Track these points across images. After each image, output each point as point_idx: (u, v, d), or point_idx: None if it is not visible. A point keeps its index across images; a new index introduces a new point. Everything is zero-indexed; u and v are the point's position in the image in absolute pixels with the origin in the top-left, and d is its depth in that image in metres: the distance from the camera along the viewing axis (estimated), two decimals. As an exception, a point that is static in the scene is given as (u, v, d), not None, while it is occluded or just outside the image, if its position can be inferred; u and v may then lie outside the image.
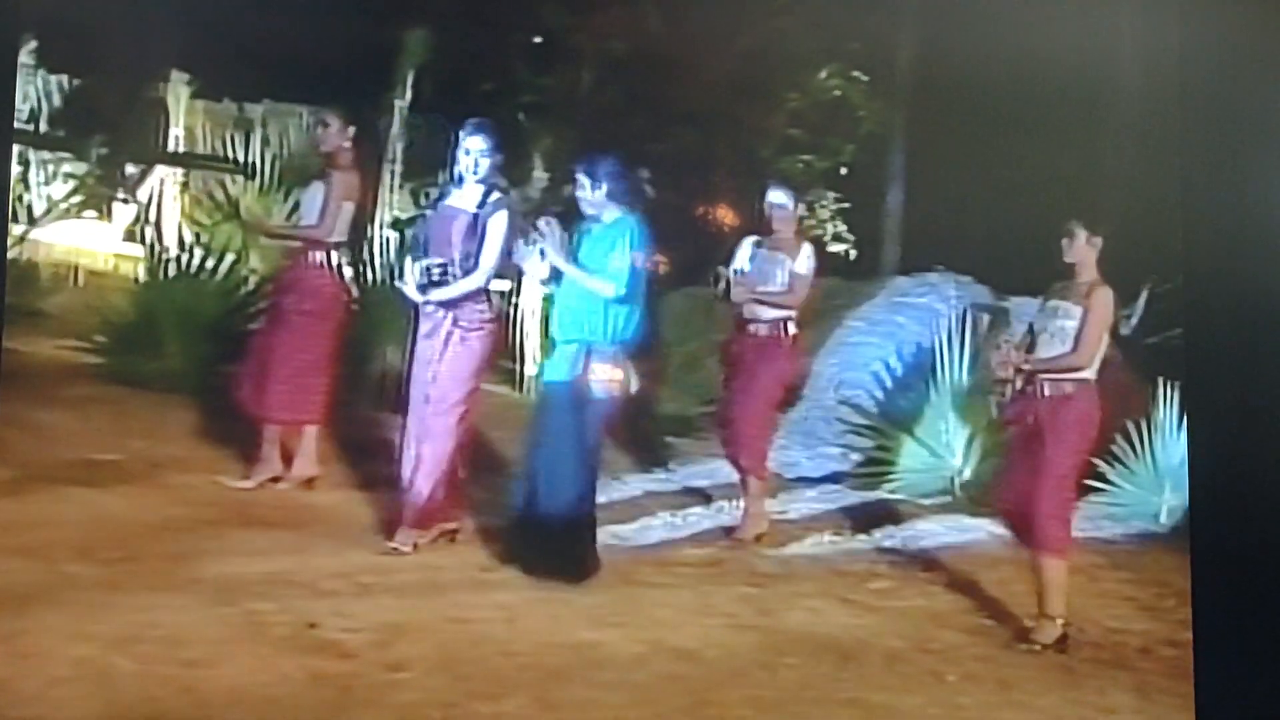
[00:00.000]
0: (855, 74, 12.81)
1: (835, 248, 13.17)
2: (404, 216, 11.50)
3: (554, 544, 7.10)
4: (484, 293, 7.36)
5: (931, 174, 12.13)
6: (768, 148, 12.50)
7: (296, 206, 9.59)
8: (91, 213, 11.93)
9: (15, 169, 11.61)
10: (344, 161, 8.12)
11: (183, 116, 12.36)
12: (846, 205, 13.26)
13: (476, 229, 7.29)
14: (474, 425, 7.52)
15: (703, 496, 9.05)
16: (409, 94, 11.79)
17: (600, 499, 7.64)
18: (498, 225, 7.27)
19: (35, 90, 11.99)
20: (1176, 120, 6.31)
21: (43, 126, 11.98)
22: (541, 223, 7.22)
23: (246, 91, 12.69)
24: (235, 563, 6.88)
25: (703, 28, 11.71)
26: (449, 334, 7.28)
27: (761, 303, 8.09)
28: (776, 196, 8.19)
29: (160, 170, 12.18)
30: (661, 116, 12.01)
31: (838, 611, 7.16)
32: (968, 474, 9.48)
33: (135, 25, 11.40)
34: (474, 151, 7.28)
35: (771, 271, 8.13)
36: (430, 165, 11.48)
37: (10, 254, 11.13)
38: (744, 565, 7.83)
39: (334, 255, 8.14)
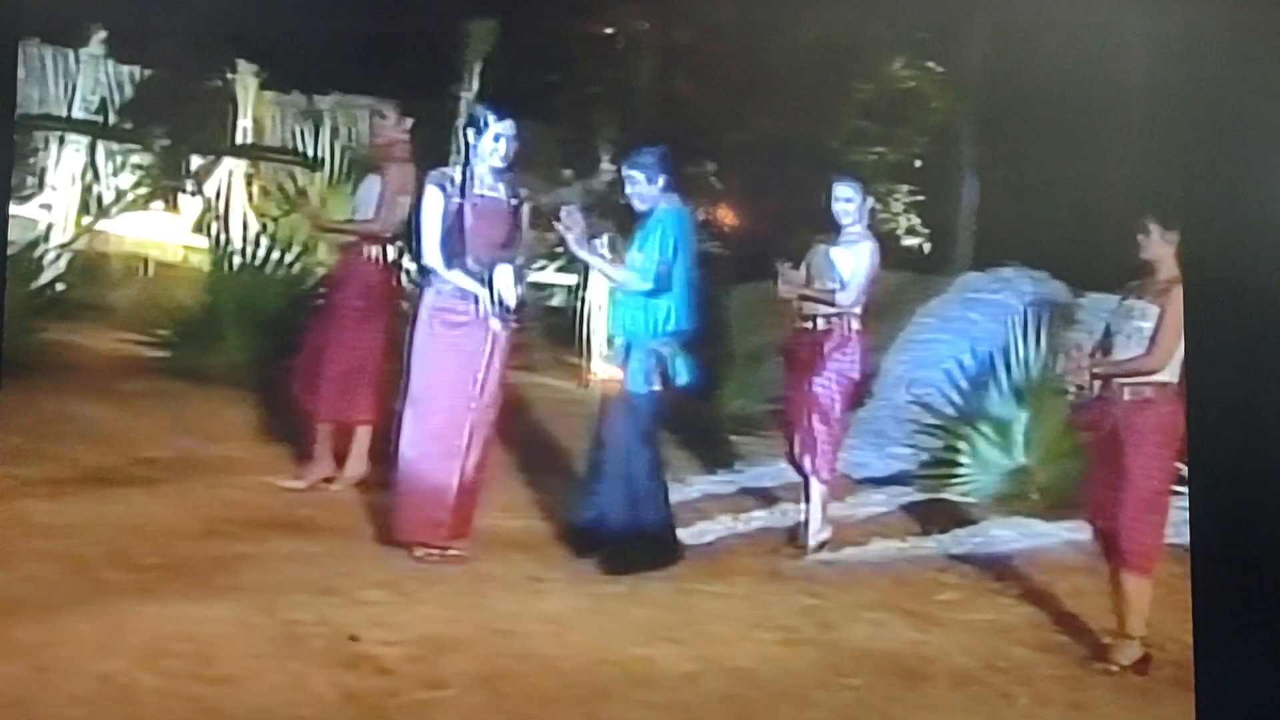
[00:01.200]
0: (928, 64, 12.21)
1: (909, 241, 12.60)
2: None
3: (638, 545, 6.85)
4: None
5: (1006, 167, 11.55)
6: (837, 139, 11.94)
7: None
8: (159, 204, 11.53)
9: (83, 159, 11.30)
10: (400, 154, 7.73)
11: (251, 108, 11.95)
12: (921, 198, 12.68)
13: (516, 220, 6.87)
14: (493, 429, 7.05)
15: (766, 499, 8.55)
16: (475, 85, 11.35)
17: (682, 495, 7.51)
18: (528, 216, 6.94)
19: (105, 81, 11.61)
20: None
21: (111, 118, 11.57)
22: (563, 213, 6.78)
23: (315, 83, 12.27)
24: (277, 569, 6.51)
25: (771, 17, 11.17)
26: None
27: (816, 299, 7.55)
28: (843, 190, 7.67)
29: (228, 162, 11.77)
30: (729, 108, 11.48)
31: (902, 625, 6.66)
32: (1042, 476, 8.88)
33: (204, 15, 11.01)
34: (504, 137, 6.81)
35: (829, 267, 7.60)
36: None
37: (78, 245, 10.93)
38: (804, 573, 7.35)
39: (389, 250, 7.71)
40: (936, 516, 8.50)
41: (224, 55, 11.85)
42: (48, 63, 11.53)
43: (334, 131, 12.18)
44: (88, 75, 11.58)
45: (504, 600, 6.46)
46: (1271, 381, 5.59)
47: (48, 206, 11.15)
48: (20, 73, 11.05)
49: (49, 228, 10.90)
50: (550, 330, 11.40)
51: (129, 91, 11.78)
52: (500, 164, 6.89)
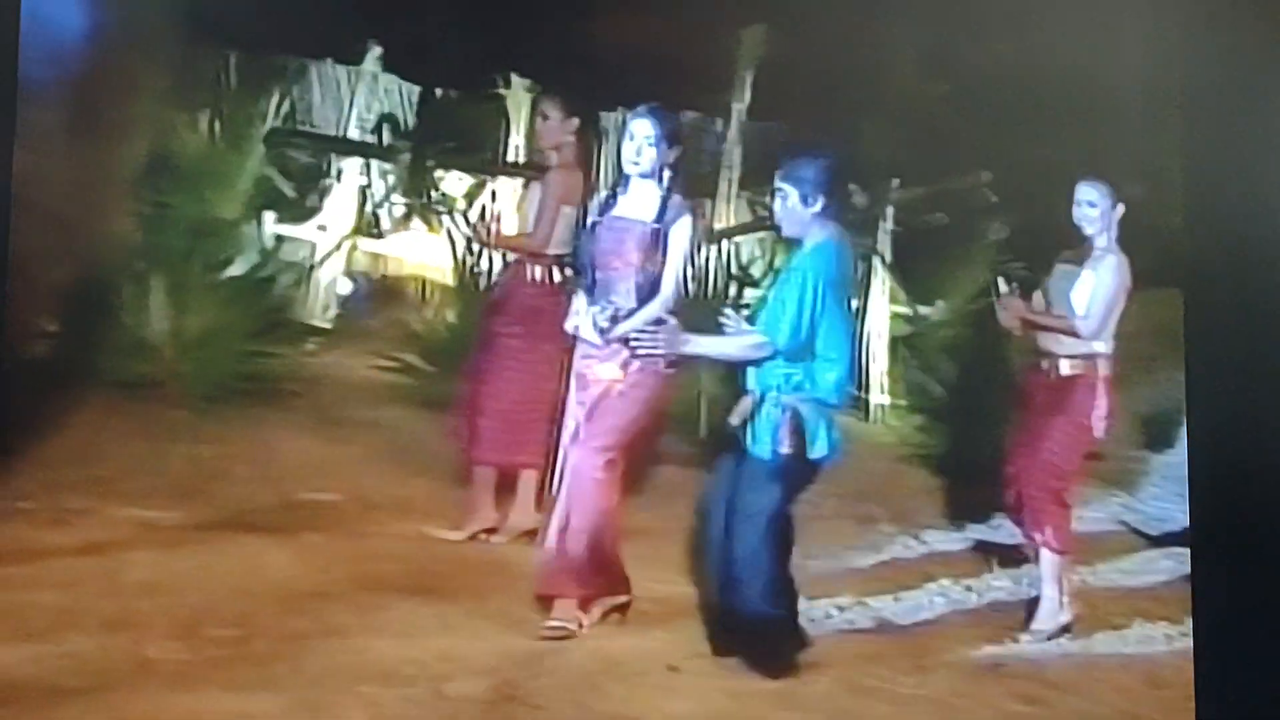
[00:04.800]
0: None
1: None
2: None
3: (749, 636, 5.20)
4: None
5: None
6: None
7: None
8: (425, 224, 10.38)
9: (360, 180, 10.28)
10: (564, 159, 6.29)
11: (524, 124, 10.65)
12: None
13: (658, 244, 5.29)
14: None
15: (1009, 559, 6.66)
16: (747, 95, 9.79)
17: (860, 562, 6.22)
18: (680, 238, 5.23)
19: (379, 100, 10.55)
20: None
21: (386, 137, 10.49)
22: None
23: (597, 99, 10.90)
24: (361, 646, 5.21)
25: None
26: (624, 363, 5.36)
27: (1051, 330, 5.72)
28: (1088, 192, 5.81)
29: (501, 181, 10.52)
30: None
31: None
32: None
33: (478, 29, 9.92)
34: (639, 138, 5.26)
35: (1068, 291, 5.76)
36: (768, 172, 9.54)
37: (352, 267, 9.92)
38: (1029, 668, 5.59)
39: (555, 270, 6.24)
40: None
41: (495, 70, 10.61)
42: (321, 81, 10.52)
43: (617, 149, 10.76)
44: (363, 93, 10.53)
45: (635, 688, 5.01)
46: (1272, 381, 5.09)
47: (323, 228, 10.13)
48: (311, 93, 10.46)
49: (317, 248, 9.87)
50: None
51: (402, 109, 10.69)
52: (641, 174, 5.39)
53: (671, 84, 9.78)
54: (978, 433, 7.19)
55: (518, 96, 10.64)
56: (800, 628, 5.37)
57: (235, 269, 8.67)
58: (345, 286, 9.87)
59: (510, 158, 10.62)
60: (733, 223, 9.75)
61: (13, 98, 5.51)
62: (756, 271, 9.18)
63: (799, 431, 5.09)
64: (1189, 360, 5.36)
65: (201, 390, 7.72)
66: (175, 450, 7.06)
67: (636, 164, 5.44)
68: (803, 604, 5.81)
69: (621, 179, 5.52)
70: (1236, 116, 5.25)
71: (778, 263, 9.80)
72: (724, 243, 9.42)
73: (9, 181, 5.44)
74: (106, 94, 8.11)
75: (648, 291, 5.38)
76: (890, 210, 9.41)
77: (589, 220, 5.51)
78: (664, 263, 5.38)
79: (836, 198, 5.21)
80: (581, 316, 5.46)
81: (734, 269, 9.26)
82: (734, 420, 5.20)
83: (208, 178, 9.27)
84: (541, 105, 6.51)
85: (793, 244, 5.31)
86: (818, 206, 5.16)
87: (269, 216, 9.79)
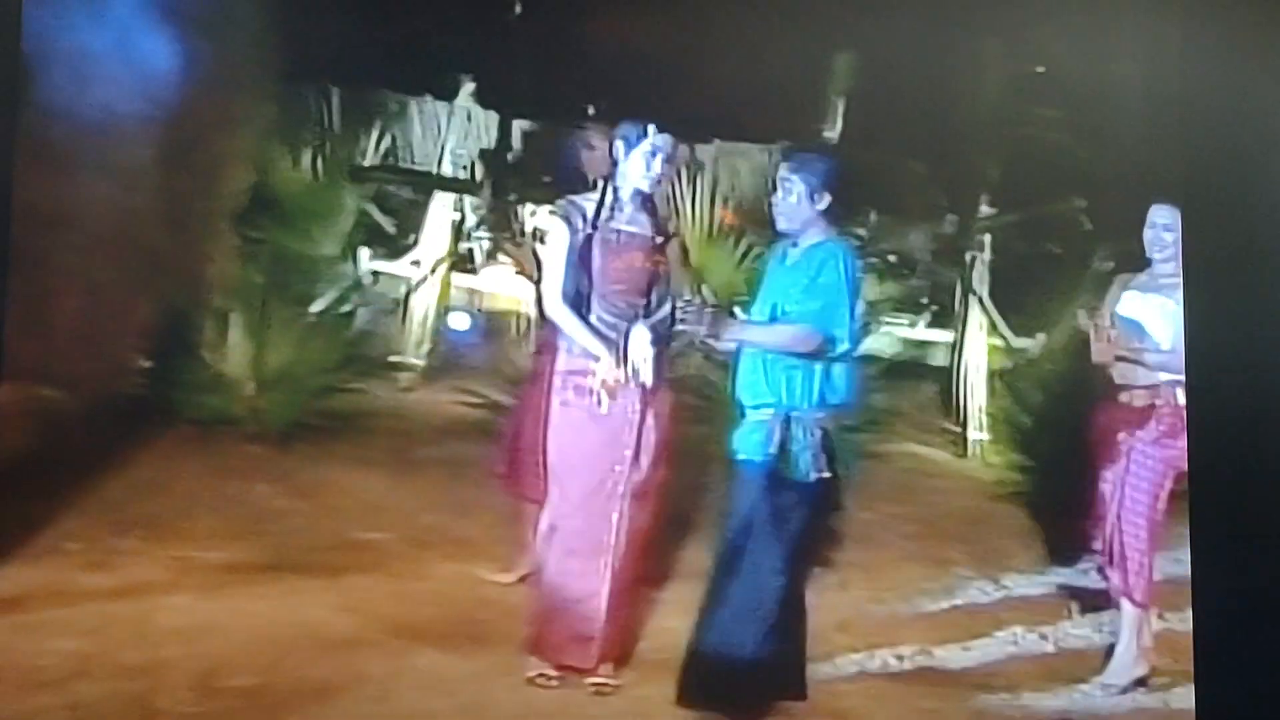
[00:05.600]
0: None
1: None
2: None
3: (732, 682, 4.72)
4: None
5: None
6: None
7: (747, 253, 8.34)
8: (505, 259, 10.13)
9: (453, 216, 10.06)
10: (612, 183, 5.89)
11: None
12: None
13: (661, 261, 5.14)
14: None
15: (1091, 603, 6.13)
16: (839, 124, 9.38)
17: (931, 605, 5.87)
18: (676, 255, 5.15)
19: (472, 135, 10.34)
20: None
21: (478, 171, 10.26)
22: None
23: (695, 131, 10.57)
24: (380, 696, 4.97)
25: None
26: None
27: (1135, 362, 5.24)
28: (1162, 214, 5.32)
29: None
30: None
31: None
32: None
33: (566, 64, 9.70)
34: (659, 153, 5.11)
35: (1148, 319, 5.28)
36: (864, 200, 9.16)
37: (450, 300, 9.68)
38: (1096, 723, 5.04)
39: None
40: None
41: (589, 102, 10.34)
42: (421, 117, 10.36)
43: (714, 181, 10.42)
44: (456, 128, 10.33)
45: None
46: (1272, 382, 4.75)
47: (417, 263, 9.93)
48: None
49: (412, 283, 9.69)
50: (922, 392, 9.25)
51: (495, 144, 10.46)
52: (649, 187, 5.09)
53: (763, 114, 9.57)
54: (1073, 471, 6.68)
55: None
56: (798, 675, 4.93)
57: (323, 304, 8.51)
58: (461, 322, 9.64)
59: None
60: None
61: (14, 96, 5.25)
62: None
63: (829, 451, 4.70)
64: (1189, 358, 4.97)
65: (279, 426, 7.55)
66: (237, 488, 6.89)
67: (654, 180, 5.11)
68: (858, 653, 5.44)
69: (633, 194, 5.15)
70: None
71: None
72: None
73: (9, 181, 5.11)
74: (201, 130, 8.01)
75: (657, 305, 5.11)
76: (988, 239, 8.98)
77: (584, 235, 5.13)
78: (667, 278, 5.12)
79: (838, 200, 4.81)
80: (639, 346, 5.06)
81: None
82: (771, 449, 4.77)
83: (309, 213, 9.17)
84: (585, 134, 6.10)
85: (782, 240, 4.91)
86: (823, 204, 4.78)
87: (364, 253, 9.66)
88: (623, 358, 4.98)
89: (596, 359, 5.01)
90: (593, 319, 5.08)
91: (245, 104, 8.45)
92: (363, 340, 8.68)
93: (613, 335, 5.02)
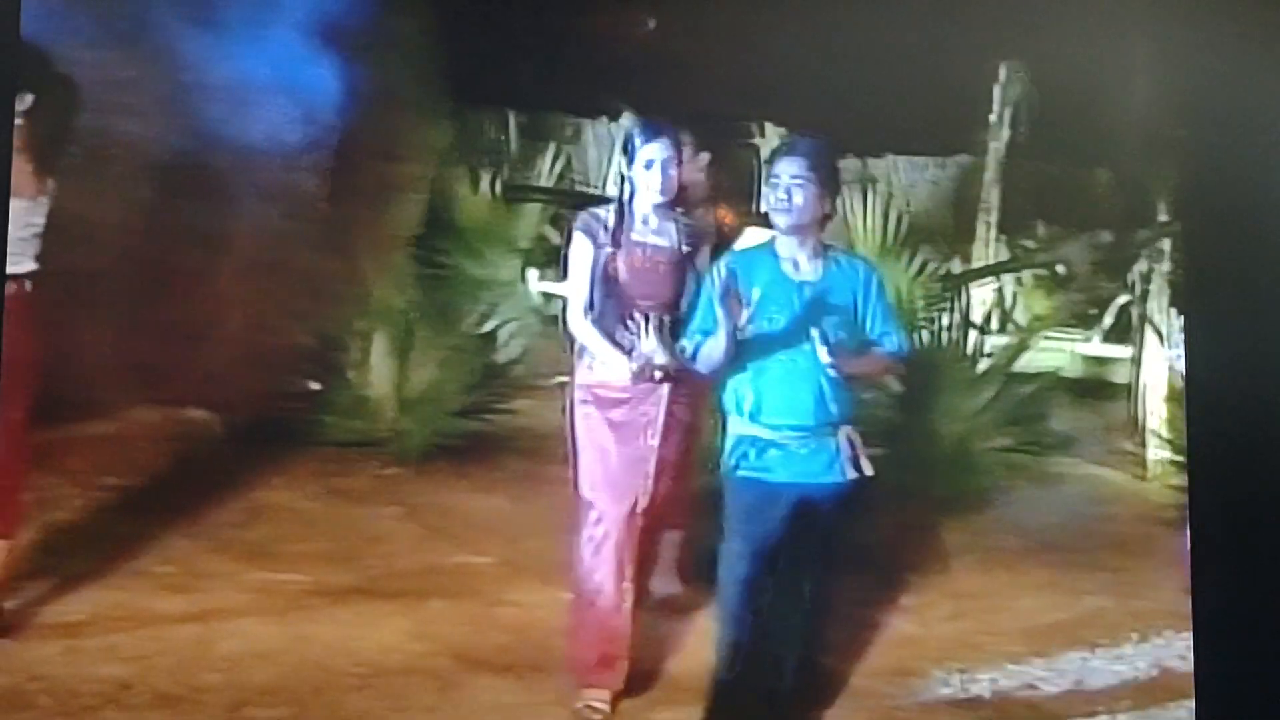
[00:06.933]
0: None
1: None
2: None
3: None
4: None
5: None
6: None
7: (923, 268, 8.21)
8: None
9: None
10: (697, 197, 5.48)
11: (778, 173, 9.92)
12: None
13: (687, 272, 4.77)
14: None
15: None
16: (1006, 133, 8.77)
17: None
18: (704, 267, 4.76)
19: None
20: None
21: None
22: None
23: (864, 144, 10.07)
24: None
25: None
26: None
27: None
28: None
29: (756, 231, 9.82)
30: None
31: None
32: None
33: (729, 78, 9.36)
34: (656, 163, 4.66)
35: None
36: (1029, 212, 8.59)
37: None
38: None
39: (679, 317, 5.51)
40: None
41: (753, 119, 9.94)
42: (596, 139, 10.14)
43: (888, 197, 9.91)
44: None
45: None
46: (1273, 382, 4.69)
47: (567, 287, 9.69)
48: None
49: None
50: (1106, 410, 8.58)
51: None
52: (658, 198, 4.66)
53: (928, 125, 9.04)
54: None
55: (771, 144, 9.94)
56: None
57: (491, 325, 8.29)
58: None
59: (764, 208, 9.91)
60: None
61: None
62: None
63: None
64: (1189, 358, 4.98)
65: (420, 448, 7.34)
66: (356, 512, 6.68)
67: (659, 189, 4.76)
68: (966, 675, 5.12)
69: (654, 207, 4.75)
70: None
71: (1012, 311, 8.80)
72: (963, 290, 8.44)
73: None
74: (367, 156, 7.91)
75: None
76: (1166, 248, 8.27)
77: (607, 251, 4.74)
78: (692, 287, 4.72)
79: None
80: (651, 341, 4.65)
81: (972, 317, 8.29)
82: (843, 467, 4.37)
83: (488, 236, 9.01)
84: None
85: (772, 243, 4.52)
86: (829, 207, 4.40)
87: (533, 274, 9.45)
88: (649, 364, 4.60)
89: (617, 372, 4.63)
90: (618, 334, 4.70)
91: (415, 129, 8.31)
92: (524, 357, 8.44)
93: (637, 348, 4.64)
